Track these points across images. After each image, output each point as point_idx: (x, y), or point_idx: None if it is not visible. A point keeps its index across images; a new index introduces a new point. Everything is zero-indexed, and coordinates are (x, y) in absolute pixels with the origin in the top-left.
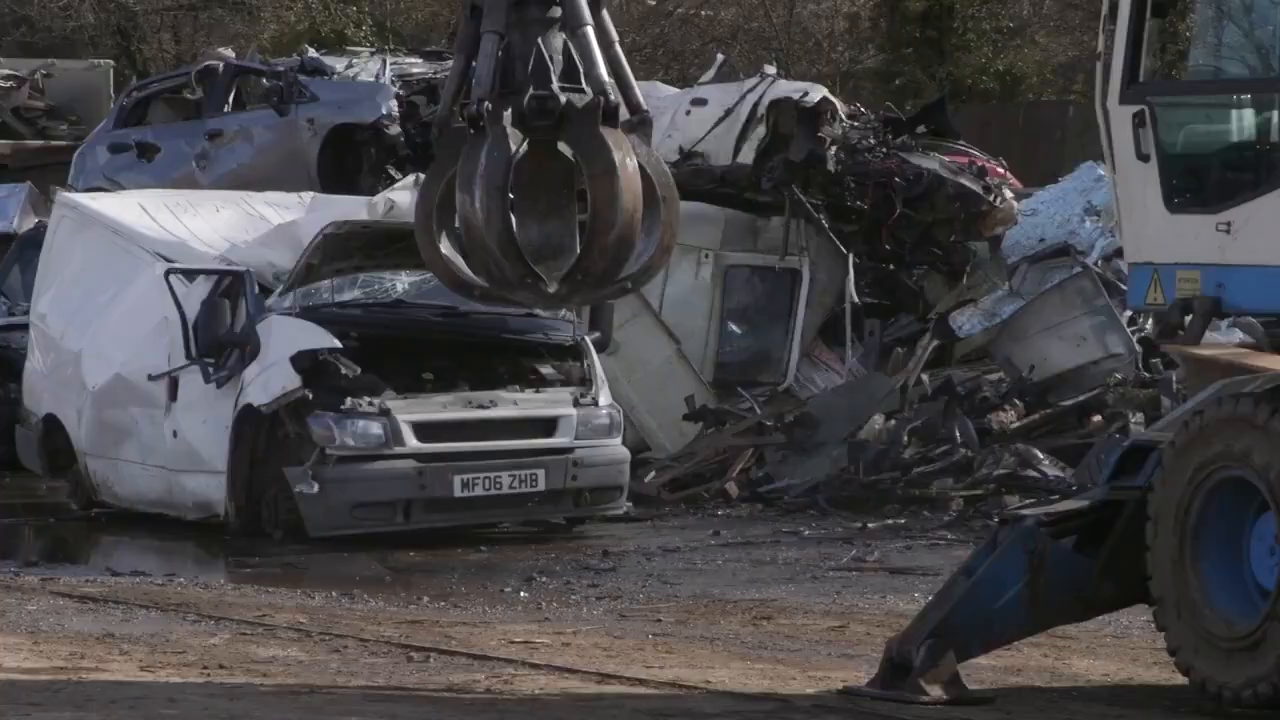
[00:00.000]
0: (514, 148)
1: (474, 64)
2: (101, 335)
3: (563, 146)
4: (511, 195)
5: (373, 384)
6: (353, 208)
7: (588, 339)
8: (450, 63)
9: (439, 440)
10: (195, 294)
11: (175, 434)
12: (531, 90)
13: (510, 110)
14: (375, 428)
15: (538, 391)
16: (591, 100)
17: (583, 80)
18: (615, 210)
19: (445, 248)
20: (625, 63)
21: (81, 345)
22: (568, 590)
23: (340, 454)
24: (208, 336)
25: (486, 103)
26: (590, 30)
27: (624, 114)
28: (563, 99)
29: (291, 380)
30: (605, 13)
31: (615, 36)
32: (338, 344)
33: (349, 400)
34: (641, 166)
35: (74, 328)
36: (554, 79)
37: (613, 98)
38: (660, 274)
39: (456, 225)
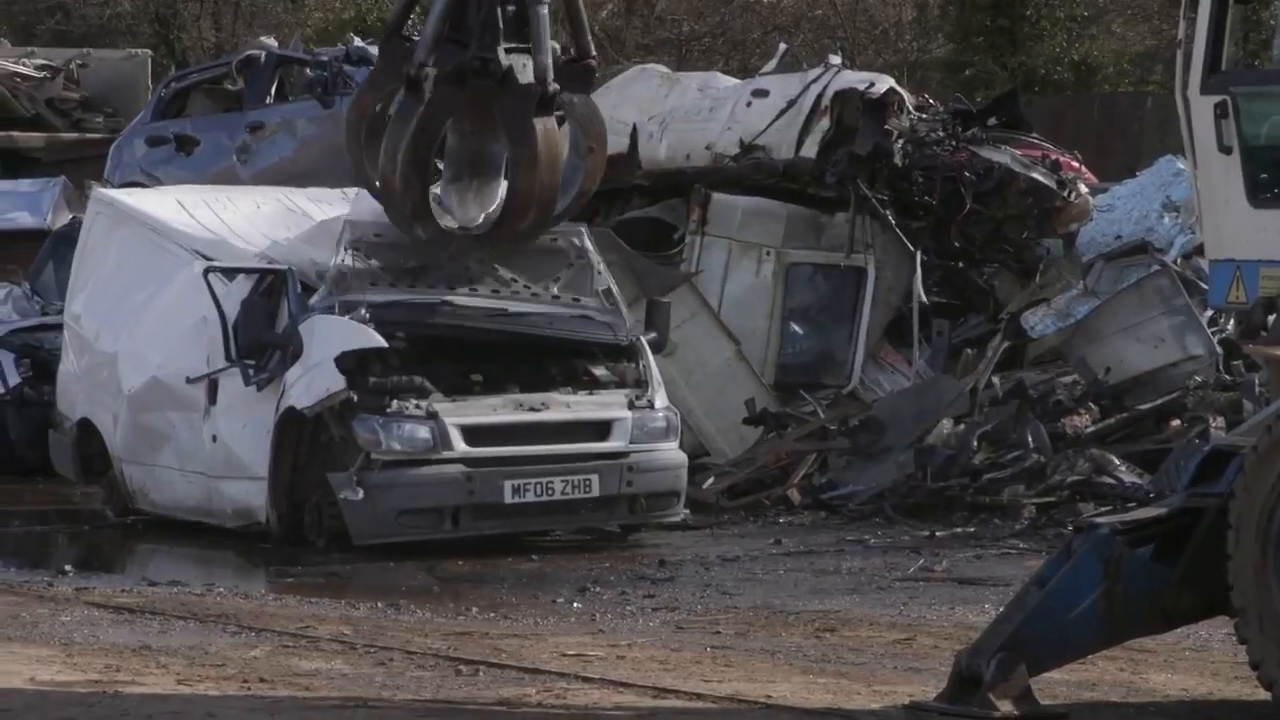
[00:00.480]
0: (446, 115)
1: None
2: (138, 336)
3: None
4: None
5: (420, 386)
6: None
7: (643, 339)
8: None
9: (488, 444)
10: (235, 293)
11: (214, 439)
12: (475, 51)
13: (453, 65)
14: (423, 431)
15: (591, 394)
16: (529, 86)
17: (531, 56)
18: (531, 199)
19: (368, 160)
20: (581, 8)
21: (117, 347)
22: (622, 601)
23: (386, 459)
24: (248, 337)
25: (425, 68)
26: (545, 9)
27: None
28: (505, 64)
29: (335, 381)
30: None
31: None
32: (384, 343)
33: (395, 403)
34: (575, 119)
35: (109, 328)
36: (500, 42)
37: (551, 87)
38: (720, 277)
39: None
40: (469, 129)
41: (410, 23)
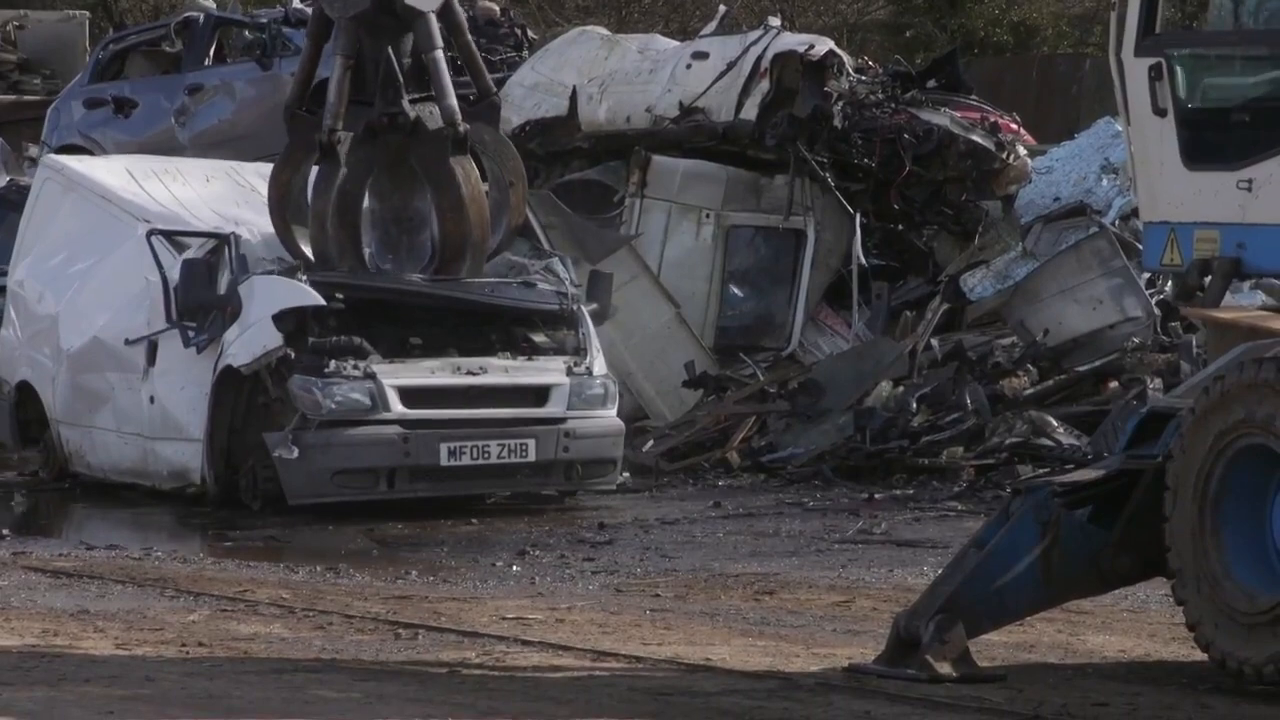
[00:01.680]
0: (366, 177)
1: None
2: (80, 299)
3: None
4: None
5: (358, 347)
6: None
7: (584, 307)
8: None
9: (425, 407)
10: (181, 259)
11: (152, 400)
12: (381, 108)
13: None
14: (359, 392)
15: (529, 359)
16: (439, 133)
17: (437, 103)
18: (465, 243)
19: (296, 232)
20: (475, 51)
21: (59, 309)
22: (562, 564)
23: (322, 419)
24: (188, 299)
25: (337, 133)
26: (440, 54)
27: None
28: (412, 114)
29: (273, 339)
30: (455, 5)
31: (466, 27)
32: (322, 301)
33: (332, 363)
34: (488, 155)
35: (52, 292)
36: (404, 95)
37: (461, 128)
38: (659, 240)
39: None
40: (388, 187)
41: None
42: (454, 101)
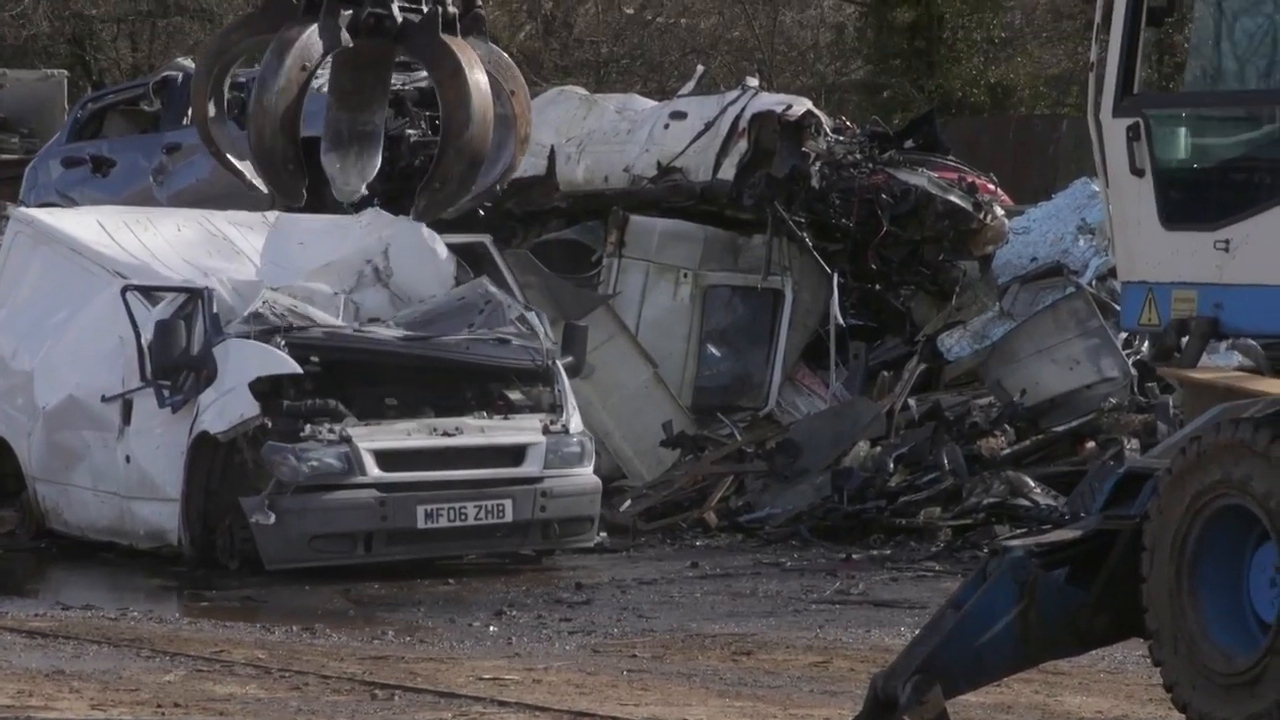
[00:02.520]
0: (337, 43)
1: None
2: (55, 355)
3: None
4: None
5: (333, 410)
6: (318, 225)
7: (559, 363)
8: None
9: (402, 469)
10: (154, 315)
11: (128, 459)
12: (369, 7)
13: (349, 15)
14: (333, 458)
15: (506, 418)
16: (430, 12)
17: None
18: (467, 109)
19: (214, 106)
20: None
21: (34, 365)
22: (539, 624)
23: (298, 484)
24: (162, 358)
25: None
26: None
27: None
28: (399, 19)
29: (250, 407)
30: None
31: None
32: (299, 369)
33: (308, 427)
34: (484, 66)
35: (27, 347)
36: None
37: (450, 8)
38: (637, 299)
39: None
40: (349, 88)
41: None
42: None
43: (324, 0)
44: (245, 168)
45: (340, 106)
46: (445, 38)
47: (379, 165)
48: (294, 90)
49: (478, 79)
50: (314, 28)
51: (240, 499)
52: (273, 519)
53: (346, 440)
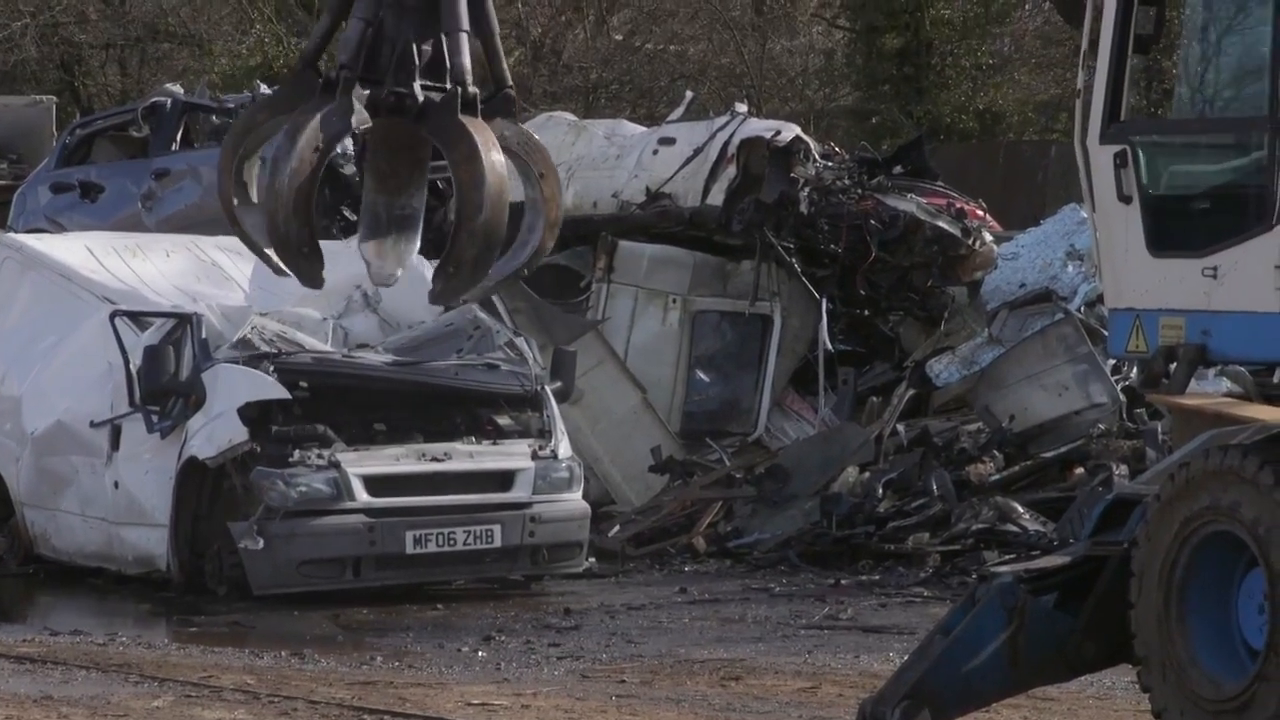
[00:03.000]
0: (354, 124)
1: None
2: (44, 380)
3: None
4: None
5: (322, 435)
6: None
7: (548, 389)
8: None
9: (390, 494)
10: (143, 340)
11: (117, 485)
12: (390, 86)
13: (368, 94)
14: (322, 483)
15: (494, 443)
16: (450, 92)
17: (446, 71)
18: (481, 193)
19: (244, 179)
20: (499, 42)
21: (22, 390)
22: (528, 650)
23: (287, 510)
24: (151, 384)
25: (345, 70)
26: (465, 36)
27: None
28: (421, 98)
29: (238, 433)
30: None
31: (496, 22)
32: (287, 395)
33: (297, 452)
34: (512, 149)
35: (15, 373)
36: (417, 78)
37: (471, 89)
38: (626, 324)
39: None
40: (386, 169)
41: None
42: (466, 61)
43: (340, 79)
44: (272, 251)
45: (377, 189)
46: (464, 119)
47: (417, 249)
48: (306, 172)
49: (494, 161)
50: (328, 108)
51: (229, 524)
52: (261, 544)
53: (335, 465)
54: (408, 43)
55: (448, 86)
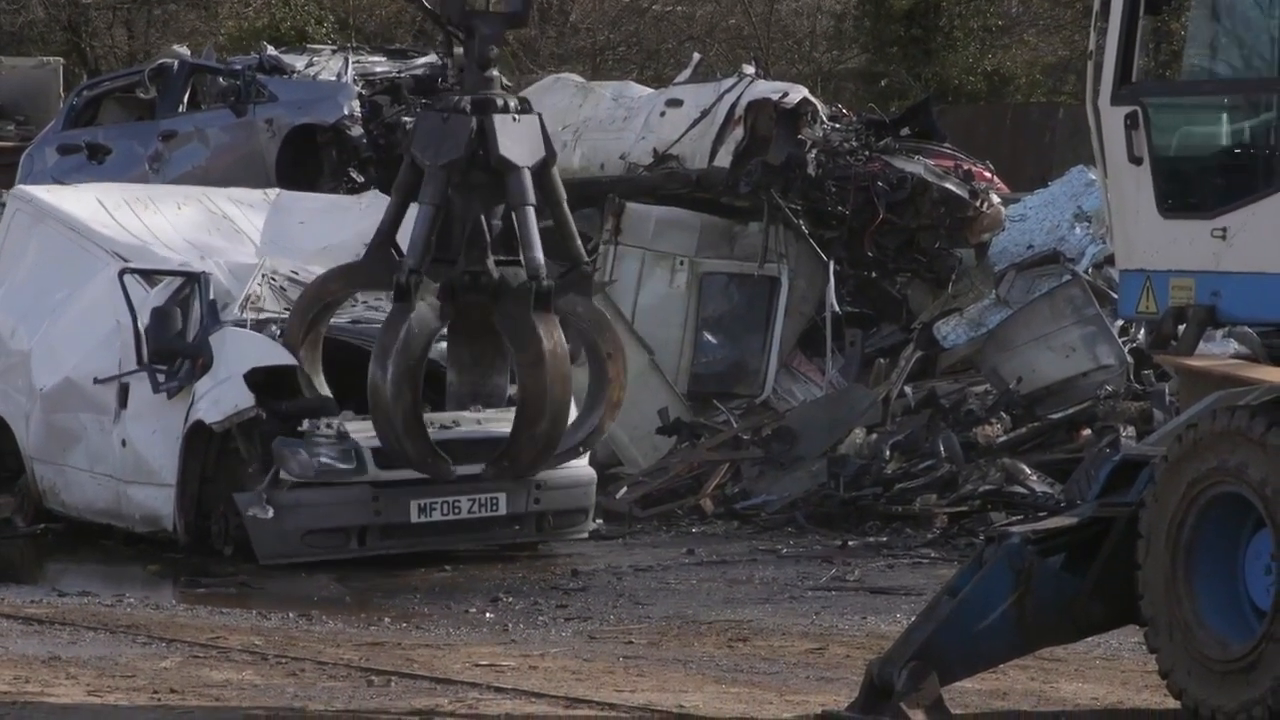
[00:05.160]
0: (438, 325)
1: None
2: (53, 335)
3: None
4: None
5: (327, 404)
6: (319, 204)
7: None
8: (419, 60)
9: (397, 464)
10: (150, 300)
11: (124, 443)
12: (465, 266)
13: (442, 281)
14: (339, 455)
15: (501, 411)
16: (523, 286)
17: (521, 257)
18: (545, 401)
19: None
20: (569, 217)
21: (32, 345)
22: (535, 611)
23: (306, 480)
24: (158, 343)
25: (414, 275)
26: (531, 210)
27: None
28: (496, 275)
29: (245, 399)
30: (554, 170)
31: (564, 194)
32: (295, 361)
33: (306, 422)
34: (583, 329)
35: (25, 327)
36: (489, 256)
37: (545, 282)
38: (634, 286)
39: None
40: (468, 361)
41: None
42: (540, 255)
43: (410, 284)
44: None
45: (461, 377)
46: (536, 317)
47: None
48: (408, 391)
49: (560, 364)
50: (408, 323)
51: (235, 495)
52: (270, 514)
53: (344, 435)
54: (478, 220)
55: (521, 261)
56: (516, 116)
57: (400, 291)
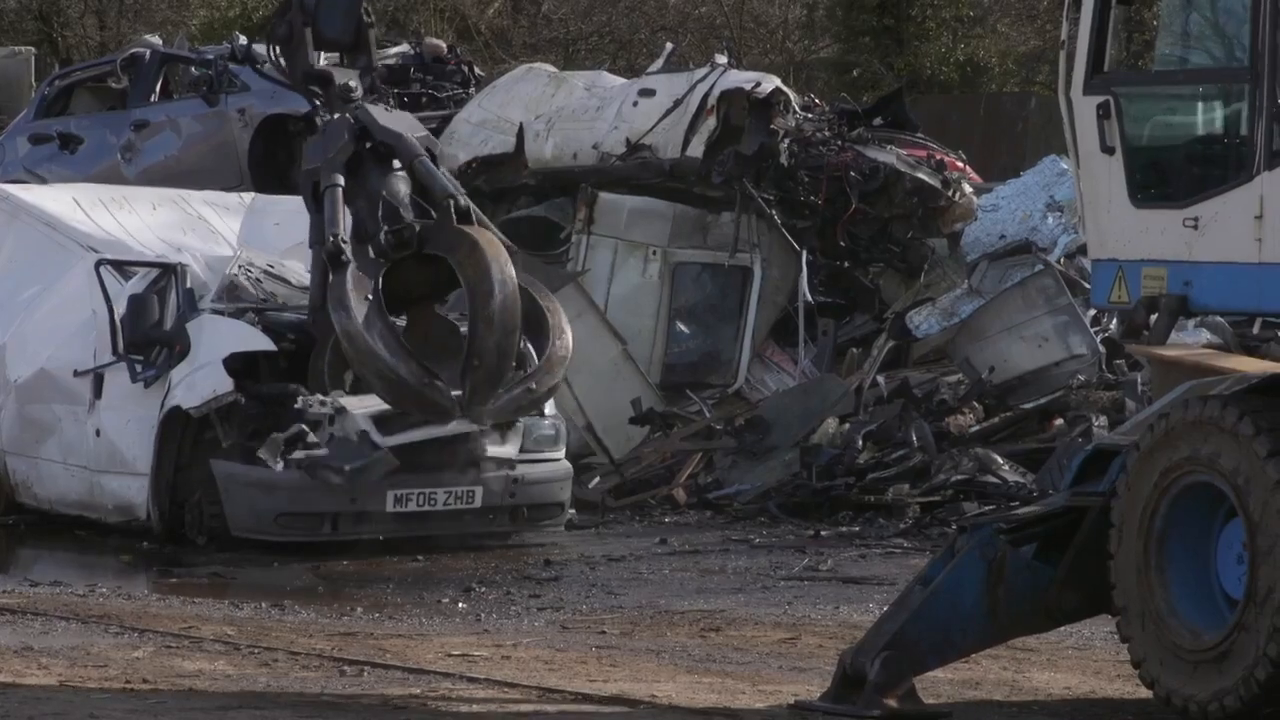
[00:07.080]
0: (380, 265)
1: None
2: (28, 328)
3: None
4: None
5: (295, 392)
6: (295, 206)
7: (529, 346)
8: (391, 50)
9: (396, 428)
10: (127, 289)
11: (98, 433)
12: (385, 227)
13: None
14: (353, 433)
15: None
16: (441, 209)
17: (431, 196)
18: (490, 279)
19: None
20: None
21: (6, 338)
22: (508, 601)
23: (324, 445)
24: (135, 333)
25: (337, 238)
26: (427, 158)
27: None
28: (417, 226)
29: (223, 383)
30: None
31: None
32: (273, 347)
33: (301, 399)
34: (521, 287)
35: None
36: (404, 209)
37: (462, 201)
38: (606, 276)
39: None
40: (414, 330)
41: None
42: (447, 183)
43: (339, 248)
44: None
45: (412, 336)
46: (460, 226)
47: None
48: (378, 319)
49: (496, 250)
50: (350, 268)
51: (211, 460)
52: (280, 466)
53: (341, 410)
54: (385, 197)
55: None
56: (389, 107)
57: (332, 258)
